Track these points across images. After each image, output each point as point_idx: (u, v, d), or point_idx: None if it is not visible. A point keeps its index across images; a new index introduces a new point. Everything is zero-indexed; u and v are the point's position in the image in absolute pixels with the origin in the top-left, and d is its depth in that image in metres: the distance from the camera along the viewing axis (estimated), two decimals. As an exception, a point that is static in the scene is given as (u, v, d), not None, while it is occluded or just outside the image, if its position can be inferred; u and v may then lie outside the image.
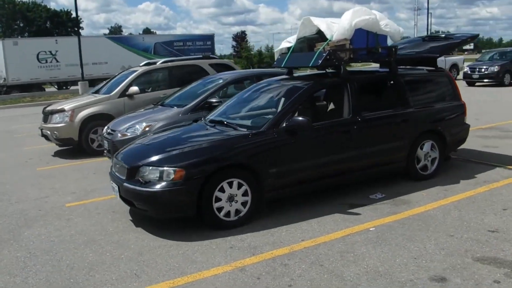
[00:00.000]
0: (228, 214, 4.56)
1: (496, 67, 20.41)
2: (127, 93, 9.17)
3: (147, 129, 6.96)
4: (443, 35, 6.89)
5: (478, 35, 6.86)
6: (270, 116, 5.01)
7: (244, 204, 4.62)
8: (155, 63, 10.56)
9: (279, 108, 5.06)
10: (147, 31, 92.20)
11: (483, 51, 36.00)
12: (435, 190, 5.52)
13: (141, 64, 10.83)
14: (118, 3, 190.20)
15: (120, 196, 4.75)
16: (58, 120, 8.79)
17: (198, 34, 39.19)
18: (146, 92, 9.47)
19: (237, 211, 4.60)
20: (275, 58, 6.50)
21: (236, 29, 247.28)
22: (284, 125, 4.80)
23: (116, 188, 4.79)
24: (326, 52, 5.39)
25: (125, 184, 4.59)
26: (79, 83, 24.80)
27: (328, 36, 5.66)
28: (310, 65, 5.49)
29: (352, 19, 5.48)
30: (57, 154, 9.33)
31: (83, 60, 24.82)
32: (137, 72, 9.47)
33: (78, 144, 8.86)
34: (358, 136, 5.28)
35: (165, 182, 4.34)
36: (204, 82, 8.38)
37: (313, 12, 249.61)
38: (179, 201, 4.38)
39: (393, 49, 5.89)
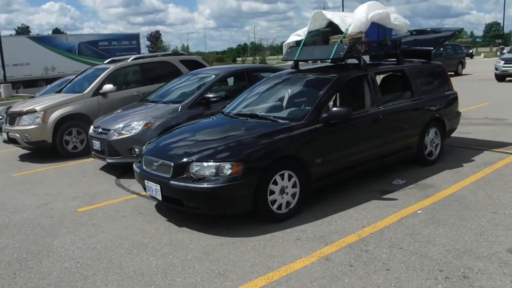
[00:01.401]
0: (279, 206, 4.51)
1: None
2: (101, 91, 8.61)
3: (146, 127, 6.61)
4: (430, 29, 7.35)
5: (462, 29, 7.45)
6: (308, 108, 5.02)
7: (293, 195, 4.59)
8: (119, 60, 10.04)
9: (314, 100, 5.07)
10: (56, 31, 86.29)
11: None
12: (446, 173, 5.90)
13: (105, 62, 10.23)
14: (20, 3, 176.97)
15: (163, 196, 4.48)
16: (29, 122, 8.00)
17: (124, 33, 37.61)
18: (120, 90, 8.94)
19: (288, 203, 4.56)
20: (283, 52, 6.51)
21: (146, 29, 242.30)
22: (324, 115, 4.85)
23: (157, 187, 4.50)
24: (347, 44, 5.52)
25: (172, 182, 4.34)
26: (1, 85, 22.66)
27: (343, 29, 5.80)
28: (331, 57, 5.58)
29: (368, 12, 5.67)
30: (24, 158, 8.50)
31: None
32: (109, 70, 8.91)
33: (51, 146, 8.14)
34: (384, 125, 5.50)
35: (222, 177, 4.17)
36: (192, 78, 8.13)
37: (222, 12, 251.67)
38: (238, 196, 4.24)
39: (398, 42, 6.19)
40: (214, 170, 4.20)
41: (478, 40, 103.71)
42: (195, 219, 4.68)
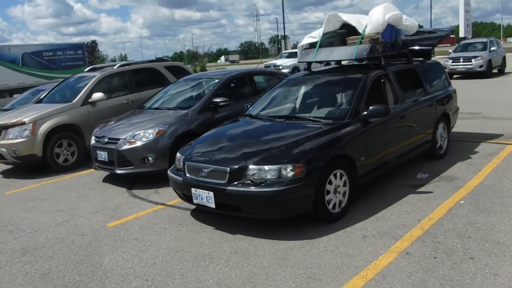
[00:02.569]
0: (334, 206, 4.50)
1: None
2: (90, 100, 8.16)
3: (159, 134, 6.33)
4: (426, 30, 7.69)
5: (453, 29, 7.86)
6: (346, 107, 5.06)
7: (344, 194, 4.60)
8: (100, 68, 9.59)
9: (351, 99, 5.11)
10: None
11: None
12: (460, 165, 6.18)
13: (85, 70, 9.72)
14: None
15: (217, 203, 4.31)
16: (17, 135, 7.38)
17: (68, 43, 35.83)
18: (109, 98, 8.50)
19: (340, 203, 4.57)
20: (298, 54, 6.52)
21: (78, 39, 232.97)
22: (364, 113, 4.91)
23: (209, 195, 4.32)
24: (368, 45, 5.64)
25: (229, 188, 4.19)
26: None
27: (360, 30, 5.92)
28: (354, 57, 5.67)
29: (385, 13, 5.83)
30: (8, 175, 7.85)
31: None
32: (96, 77, 8.46)
33: (42, 160, 7.57)
34: (409, 121, 5.67)
35: (285, 180, 4.08)
36: (191, 83, 7.94)
37: (156, 21, 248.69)
38: (301, 198, 4.17)
39: (407, 42, 6.42)
40: (276, 173, 4.10)
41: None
42: (244, 225, 4.54)
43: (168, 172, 5.03)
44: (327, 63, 6.84)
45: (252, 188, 4.11)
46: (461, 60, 20.19)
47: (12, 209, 5.89)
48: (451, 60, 20.52)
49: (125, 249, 4.31)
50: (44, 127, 7.52)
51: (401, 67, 6.17)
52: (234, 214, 4.41)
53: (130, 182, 6.59)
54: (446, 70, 20.03)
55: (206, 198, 4.37)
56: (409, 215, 4.57)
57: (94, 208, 5.64)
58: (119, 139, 6.41)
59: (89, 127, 8.05)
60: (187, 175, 4.61)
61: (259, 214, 4.28)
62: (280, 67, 26.38)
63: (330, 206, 4.44)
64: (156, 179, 6.40)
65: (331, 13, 6.18)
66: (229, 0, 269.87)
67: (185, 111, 6.76)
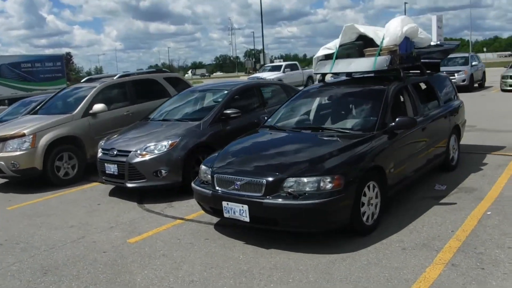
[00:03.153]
0: (367, 218, 4.43)
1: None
2: (91, 111, 7.91)
3: (172, 146, 6.16)
4: (434, 44, 7.81)
5: (460, 43, 8.02)
6: (373, 118, 5.04)
7: (375, 206, 4.55)
8: (97, 78, 9.37)
9: (377, 110, 5.10)
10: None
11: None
12: (474, 176, 6.24)
13: (82, 81, 9.46)
14: None
15: (251, 217, 4.18)
16: (16, 147, 7.05)
17: (47, 54, 35.10)
18: (110, 109, 8.26)
19: (373, 214, 4.51)
20: (314, 66, 6.50)
21: (51, 51, 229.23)
22: (392, 124, 4.90)
23: (243, 208, 4.19)
24: (388, 56, 5.66)
25: (266, 201, 4.07)
26: None
27: (377, 42, 5.94)
28: (374, 69, 5.67)
29: (402, 26, 5.88)
30: (6, 189, 7.47)
31: None
32: (96, 88, 8.22)
33: (42, 174, 7.25)
34: (428, 132, 5.70)
35: (325, 192, 3.99)
36: (197, 94, 7.82)
37: (130, 33, 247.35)
38: (340, 211, 4.08)
39: (420, 55, 6.49)
40: (315, 185, 4.01)
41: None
42: (275, 239, 4.41)
43: (193, 185, 4.87)
44: (338, 75, 6.81)
45: (291, 201, 4.01)
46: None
47: (18, 225, 5.59)
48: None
49: (155, 266, 4.11)
50: (45, 139, 7.22)
51: (417, 79, 6.22)
52: (269, 228, 4.29)
53: (139, 197, 6.37)
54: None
55: (239, 211, 4.23)
56: (440, 226, 4.55)
57: (108, 224, 5.40)
58: (130, 152, 6.20)
59: (90, 140, 7.81)
60: (217, 188, 4.47)
61: (296, 227, 4.17)
62: (264, 81, 26.46)
63: (365, 218, 4.38)
64: (166, 193, 6.22)
65: (347, 25, 6.19)
66: (204, 13, 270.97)
67: (196, 123, 6.62)
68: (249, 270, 3.88)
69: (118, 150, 6.34)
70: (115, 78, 8.75)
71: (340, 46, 6.17)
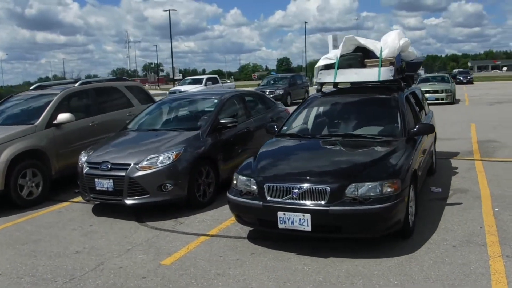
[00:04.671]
0: (410, 221, 4.56)
1: (281, 90, 24.19)
2: (55, 121, 7.04)
3: (177, 158, 5.72)
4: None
5: (425, 57, 8.69)
6: (397, 125, 5.22)
7: (413, 209, 4.71)
8: (48, 86, 8.41)
9: (397, 117, 5.30)
10: None
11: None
12: (456, 179, 6.77)
13: (31, 88, 8.38)
14: None
15: (313, 226, 4.04)
16: (-26, 165, 5.97)
17: None
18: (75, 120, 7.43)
19: (412, 217, 4.65)
20: (315, 75, 6.55)
21: None
22: (414, 130, 5.13)
23: (305, 217, 4.04)
24: (391, 67, 5.95)
25: (332, 208, 3.98)
26: None
27: (377, 54, 6.21)
28: (379, 79, 5.90)
29: (399, 39, 6.24)
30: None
31: None
32: (59, 96, 7.34)
33: (4, 194, 6.22)
34: (427, 139, 6.06)
35: (387, 196, 4.03)
36: (181, 102, 7.44)
37: (14, 43, 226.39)
38: (399, 214, 4.14)
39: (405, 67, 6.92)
40: (379, 190, 4.03)
41: (272, 73, 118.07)
42: (321, 248, 4.34)
43: (231, 197, 4.57)
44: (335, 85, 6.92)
45: (358, 207, 3.98)
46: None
47: (3, 256, 4.72)
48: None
49: (220, 287, 3.77)
50: (6, 154, 6.22)
51: (410, 89, 6.61)
52: (331, 236, 4.20)
53: (133, 215, 5.80)
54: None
55: (299, 221, 4.07)
56: (467, 224, 4.85)
57: (120, 246, 4.82)
58: (128, 165, 5.62)
59: (55, 154, 6.94)
60: (269, 198, 4.25)
61: (360, 233, 4.14)
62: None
63: (410, 222, 4.51)
64: (163, 209, 5.76)
65: (347, 36, 6.38)
66: (97, 24, 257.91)
67: (195, 133, 6.25)
68: (326, 280, 3.75)
69: (113, 164, 5.71)
70: (76, 85, 7.90)
71: (340, 56, 6.33)
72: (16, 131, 6.58)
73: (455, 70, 48.56)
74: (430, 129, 5.22)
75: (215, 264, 4.21)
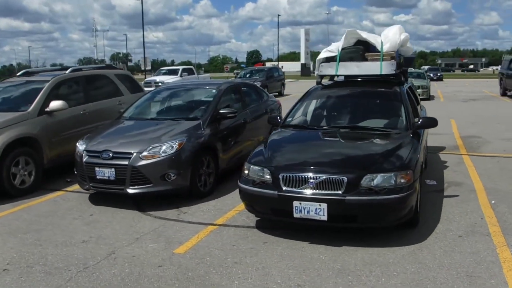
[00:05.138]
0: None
1: (259, 83, 24.17)
2: (47, 109, 6.83)
3: (180, 147, 5.67)
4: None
5: (417, 54, 8.85)
6: (401, 118, 5.34)
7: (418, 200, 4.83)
8: (33, 72, 8.14)
9: (401, 111, 5.42)
10: None
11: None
12: (448, 172, 6.98)
13: (18, 74, 8.09)
14: None
15: (329, 215, 4.10)
16: (-34, 152, 5.72)
17: None
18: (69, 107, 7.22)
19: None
20: (316, 67, 6.58)
21: None
22: (418, 123, 5.25)
23: (321, 207, 4.09)
24: (393, 61, 6.06)
25: (348, 197, 4.05)
26: None
27: (378, 48, 6.31)
28: (380, 73, 5.99)
29: (400, 33, 6.36)
30: None
31: None
32: (51, 82, 7.12)
33: (-3, 183, 6.02)
34: (426, 133, 6.22)
35: (401, 187, 4.13)
36: (178, 92, 7.32)
37: None
38: (411, 204, 4.26)
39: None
40: (393, 180, 4.13)
41: (242, 65, 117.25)
42: (332, 238, 4.41)
43: (245, 186, 4.56)
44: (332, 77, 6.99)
45: (375, 196, 4.06)
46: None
47: (6, 245, 4.58)
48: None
49: (241, 275, 3.77)
50: (0, 141, 6.02)
51: (407, 84, 6.74)
52: (346, 226, 4.28)
53: (133, 204, 5.72)
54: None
55: (315, 210, 4.13)
56: (468, 215, 5.03)
57: (128, 235, 4.75)
58: (131, 153, 5.53)
59: (47, 142, 6.75)
60: (284, 187, 4.28)
61: (374, 222, 4.23)
62: (160, 84, 25.62)
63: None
64: (163, 199, 5.72)
65: (349, 30, 6.45)
66: (63, 12, 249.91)
67: (196, 122, 6.20)
68: (344, 268, 3.82)
69: (115, 152, 5.60)
70: (67, 72, 7.67)
71: (342, 49, 6.39)
72: (9, 117, 6.35)
73: (425, 67, 49.76)
74: (433, 123, 5.34)
75: (230, 253, 4.22)
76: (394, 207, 4.12)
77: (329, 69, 6.29)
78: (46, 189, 6.62)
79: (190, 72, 29.64)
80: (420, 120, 5.30)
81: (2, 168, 6.02)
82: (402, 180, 4.17)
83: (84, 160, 5.75)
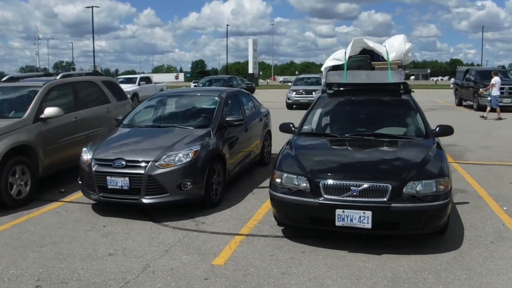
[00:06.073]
0: (446, 218, 4.77)
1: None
2: (42, 115, 6.39)
3: (195, 155, 5.47)
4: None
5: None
6: (420, 126, 5.44)
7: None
8: (18, 78, 7.65)
9: (418, 119, 5.53)
10: None
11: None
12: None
13: (3, 80, 7.54)
14: None
15: (373, 223, 4.08)
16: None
17: None
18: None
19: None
20: (324, 75, 6.58)
21: None
22: (436, 131, 5.36)
23: (365, 215, 4.06)
24: (401, 70, 6.20)
25: (394, 205, 4.05)
26: None
27: (385, 57, 6.43)
28: (390, 81, 6.07)
29: (405, 43, 6.52)
30: None
31: None
32: (44, 88, 6.68)
33: (-7, 194, 5.53)
34: None
35: (441, 193, 4.17)
36: (176, 99, 7.13)
37: None
38: (449, 212, 4.33)
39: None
40: (434, 187, 4.17)
41: (188, 75, 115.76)
42: (366, 246, 4.40)
43: (281, 195, 4.44)
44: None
45: (419, 204, 4.09)
46: (303, 93, 22.79)
47: (26, 259, 4.20)
48: (294, 92, 22.93)
49: (295, 286, 3.66)
50: (-1, 148, 5.55)
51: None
52: (389, 233, 4.28)
53: (143, 214, 5.45)
54: (290, 101, 22.54)
55: (359, 218, 4.09)
56: (487, 222, 5.16)
57: (154, 247, 4.50)
58: (147, 162, 5.27)
59: (43, 150, 6.32)
60: (325, 195, 4.22)
61: (417, 230, 4.26)
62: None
63: (447, 219, 4.71)
64: (174, 209, 5.49)
65: (356, 38, 6.54)
66: (3, 19, 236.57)
67: (206, 130, 6.02)
68: (397, 276, 3.80)
69: (128, 160, 5.31)
70: (58, 77, 7.23)
71: (349, 58, 6.45)
72: (4, 124, 5.88)
73: None
74: (450, 130, 5.46)
75: (273, 263, 4.09)
76: (436, 214, 4.17)
77: (337, 77, 6.29)
78: (41, 200, 6.18)
79: (147, 80, 28.92)
80: (438, 127, 5.42)
81: (0, 177, 5.55)
82: (441, 187, 4.23)
83: (94, 169, 5.40)
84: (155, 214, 5.47)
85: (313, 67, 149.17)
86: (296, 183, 4.40)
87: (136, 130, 6.30)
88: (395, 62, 6.36)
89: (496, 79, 16.72)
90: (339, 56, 6.58)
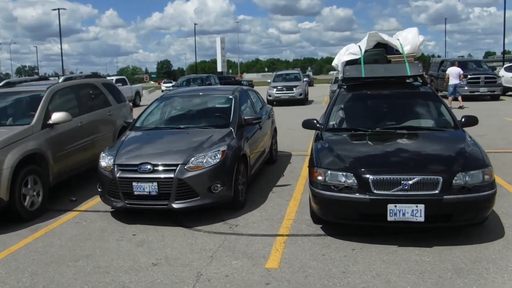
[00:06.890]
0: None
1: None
2: (50, 121, 6.04)
3: (223, 156, 5.29)
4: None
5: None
6: (446, 118, 5.45)
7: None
8: (15, 82, 7.22)
9: (442, 110, 5.54)
10: None
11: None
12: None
13: (0, 85, 7.06)
14: None
15: (426, 216, 4.04)
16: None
17: None
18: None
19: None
20: (341, 70, 6.50)
21: None
22: (462, 122, 5.37)
23: (418, 208, 4.01)
24: (420, 63, 6.21)
25: (446, 197, 4.02)
26: None
27: (400, 50, 6.43)
28: (409, 74, 6.07)
29: (418, 36, 6.54)
30: None
31: None
32: (49, 92, 6.32)
33: (7, 207, 5.15)
34: None
35: (488, 184, 4.18)
36: (189, 99, 6.91)
37: None
38: (495, 201, 4.34)
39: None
40: (481, 178, 4.17)
41: (153, 76, 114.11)
42: (412, 238, 4.39)
43: (327, 193, 4.32)
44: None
45: (470, 194, 4.08)
46: (284, 89, 22.79)
47: (68, 276, 3.92)
48: (274, 89, 22.88)
49: (363, 284, 3.58)
50: (10, 159, 5.17)
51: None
52: (441, 226, 4.25)
53: (168, 219, 5.23)
54: (270, 97, 22.48)
55: (411, 212, 4.04)
56: (507, 215, 5.09)
57: (197, 254, 4.31)
58: (176, 165, 5.05)
59: (53, 157, 5.98)
60: (375, 191, 4.14)
61: (468, 220, 4.23)
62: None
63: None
64: (199, 212, 5.29)
65: (371, 32, 6.50)
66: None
67: (228, 129, 5.84)
68: (457, 267, 3.78)
69: (154, 164, 5.07)
70: (60, 81, 6.85)
71: (365, 52, 6.42)
72: (13, 132, 5.50)
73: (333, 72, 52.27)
74: (475, 120, 5.48)
75: (329, 263, 3.98)
76: (487, 203, 4.19)
77: (355, 72, 6.23)
78: (53, 210, 5.85)
79: (123, 82, 28.31)
80: (464, 118, 5.45)
81: (14, 188, 5.19)
82: (487, 177, 4.24)
83: (118, 175, 5.13)
84: (182, 219, 5.26)
85: (278, 64, 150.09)
86: (342, 180, 4.31)
87: (154, 132, 6.04)
88: (411, 54, 6.36)
89: (450, 70, 17.30)
90: (354, 51, 6.53)
